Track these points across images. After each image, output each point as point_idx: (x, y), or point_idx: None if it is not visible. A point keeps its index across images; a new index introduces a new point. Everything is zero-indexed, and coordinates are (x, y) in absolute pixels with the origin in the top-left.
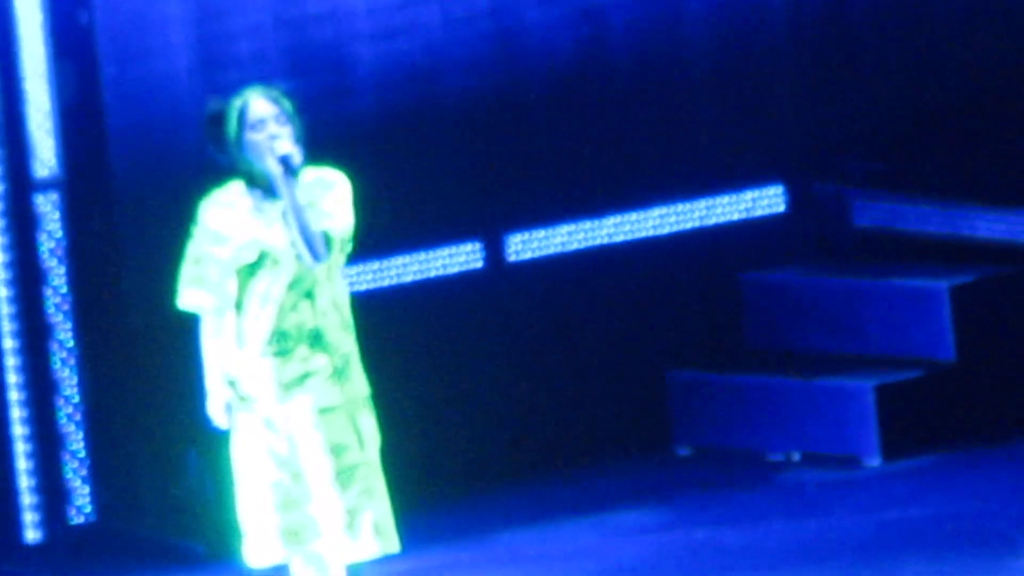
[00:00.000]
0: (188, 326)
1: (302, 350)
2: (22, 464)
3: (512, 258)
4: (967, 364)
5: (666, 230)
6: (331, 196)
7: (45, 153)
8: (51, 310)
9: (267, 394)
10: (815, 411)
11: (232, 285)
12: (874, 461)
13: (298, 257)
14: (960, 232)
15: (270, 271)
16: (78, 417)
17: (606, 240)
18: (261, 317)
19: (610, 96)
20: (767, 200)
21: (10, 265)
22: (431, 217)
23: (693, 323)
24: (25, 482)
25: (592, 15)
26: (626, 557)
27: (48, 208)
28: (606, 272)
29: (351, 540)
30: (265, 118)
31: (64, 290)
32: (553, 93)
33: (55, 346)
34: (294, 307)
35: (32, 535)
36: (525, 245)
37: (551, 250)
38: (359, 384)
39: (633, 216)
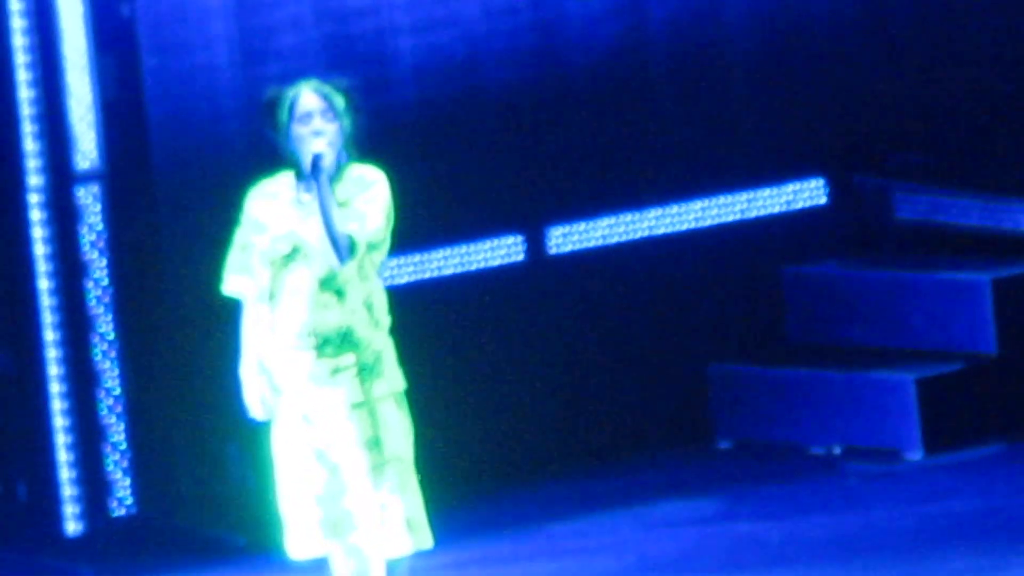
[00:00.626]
0: (229, 318)
1: (332, 347)
2: (63, 456)
3: (553, 251)
4: (1008, 357)
5: (707, 223)
6: (365, 196)
7: (86, 146)
8: (92, 302)
9: (297, 387)
10: (856, 404)
11: (265, 275)
12: (915, 454)
13: (328, 254)
14: (1001, 225)
15: (302, 264)
16: (119, 409)
17: (647, 233)
18: (292, 310)
19: (651, 88)
20: (808, 193)
21: (51, 257)
22: (472, 210)
23: (734, 316)
24: (66, 474)
25: (633, 7)
26: (666, 550)
27: (89, 200)
28: (647, 265)
29: (385, 535)
30: (312, 112)
31: (105, 282)
32: (594, 85)
33: (96, 338)
34: (325, 305)
35: (73, 527)
36: (566, 238)
37: (592, 243)
38: (393, 380)
39: (674, 209)
